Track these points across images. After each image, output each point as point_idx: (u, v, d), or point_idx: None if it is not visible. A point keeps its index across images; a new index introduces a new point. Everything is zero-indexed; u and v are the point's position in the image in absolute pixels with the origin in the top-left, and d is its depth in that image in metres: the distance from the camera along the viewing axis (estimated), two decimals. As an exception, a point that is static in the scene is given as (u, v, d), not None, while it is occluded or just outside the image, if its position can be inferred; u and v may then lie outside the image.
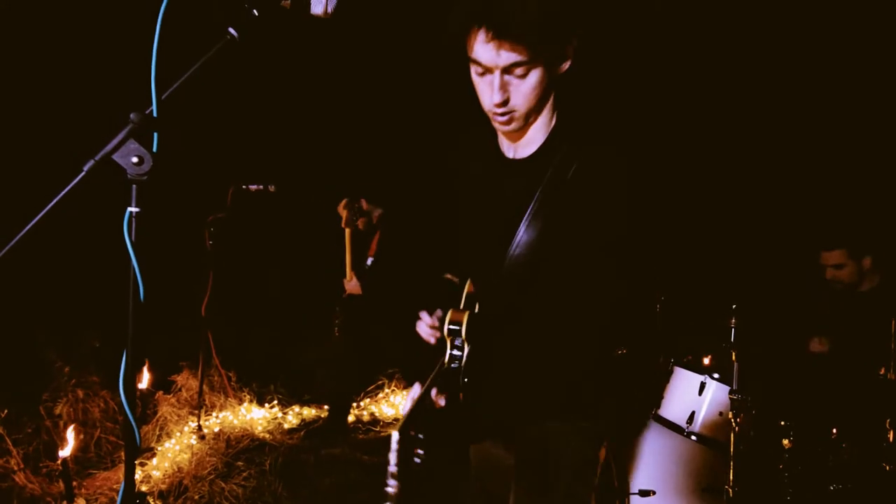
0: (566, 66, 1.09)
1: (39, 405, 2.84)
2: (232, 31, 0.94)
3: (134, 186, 0.89)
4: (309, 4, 0.99)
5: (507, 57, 1.01)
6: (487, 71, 1.04)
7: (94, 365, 3.27)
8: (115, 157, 0.88)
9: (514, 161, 1.18)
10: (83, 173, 0.87)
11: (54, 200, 0.87)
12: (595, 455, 1.25)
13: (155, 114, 0.90)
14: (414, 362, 1.40)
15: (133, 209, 0.90)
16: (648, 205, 1.14)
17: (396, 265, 3.30)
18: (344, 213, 3.24)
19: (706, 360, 2.56)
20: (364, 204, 3.39)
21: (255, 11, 0.95)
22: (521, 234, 1.11)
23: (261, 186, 3.31)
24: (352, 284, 3.36)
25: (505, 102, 1.06)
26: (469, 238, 1.27)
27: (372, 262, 3.44)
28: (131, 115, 0.88)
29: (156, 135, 0.91)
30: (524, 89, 1.05)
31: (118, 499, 0.96)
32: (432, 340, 1.24)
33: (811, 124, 3.25)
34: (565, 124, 1.16)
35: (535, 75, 1.04)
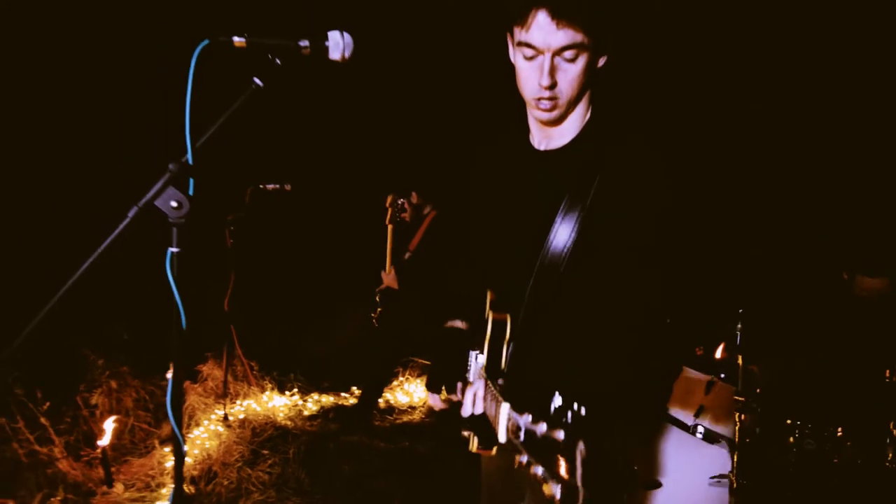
0: (604, 59, 1.14)
1: (77, 396, 3.02)
2: (257, 80, 1.01)
3: (174, 229, 0.98)
4: (327, 51, 1.06)
5: (563, 37, 1.04)
6: (539, 53, 1.07)
7: (125, 356, 3.45)
8: (157, 203, 0.96)
9: (544, 153, 1.21)
10: (128, 219, 0.96)
11: (105, 243, 0.96)
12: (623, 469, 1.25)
13: (190, 161, 0.98)
14: (437, 356, 1.46)
15: (174, 249, 0.98)
16: (684, 200, 1.13)
17: (435, 262, 3.35)
18: (389, 211, 3.33)
19: (718, 353, 2.59)
20: (415, 197, 3.47)
21: (277, 60, 1.02)
22: (556, 230, 1.12)
23: (277, 186, 3.41)
24: (389, 277, 3.44)
25: (552, 86, 1.09)
26: (497, 231, 1.27)
27: (410, 256, 3.52)
28: (170, 165, 0.96)
29: (192, 180, 0.99)
30: (571, 75, 1.09)
31: (170, 498, 1.07)
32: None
33: (840, 142, 3.18)
34: (599, 119, 1.19)
35: (582, 61, 1.08)
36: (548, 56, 1.06)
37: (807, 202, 3.17)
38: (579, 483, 0.76)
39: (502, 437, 0.92)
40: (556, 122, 1.17)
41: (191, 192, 0.99)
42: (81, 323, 3.25)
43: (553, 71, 1.07)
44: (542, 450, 0.80)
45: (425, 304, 3.24)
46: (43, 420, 2.68)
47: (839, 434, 2.28)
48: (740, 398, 2.08)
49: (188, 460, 2.96)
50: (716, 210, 3.01)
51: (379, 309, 3.57)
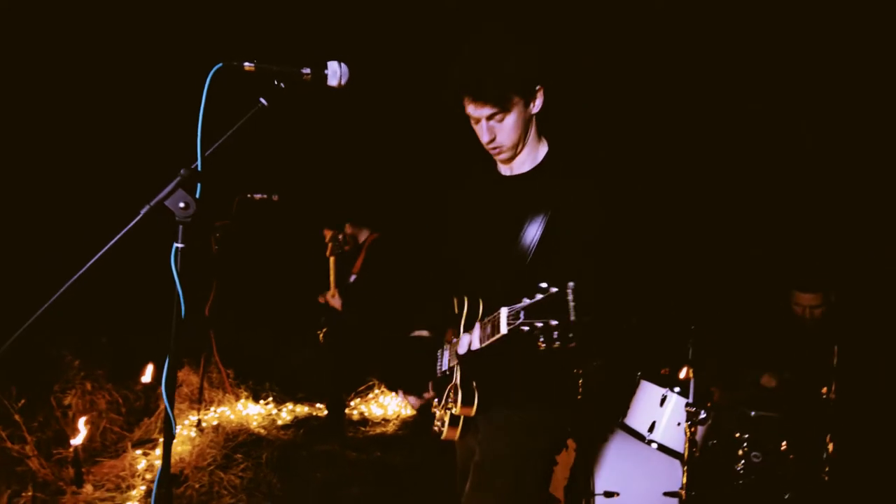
0: (535, 107, 1.48)
1: (51, 396, 3.02)
2: (262, 100, 1.16)
3: (180, 227, 1.10)
4: (326, 78, 1.21)
5: (487, 110, 1.43)
6: (477, 121, 1.47)
7: (101, 359, 3.46)
8: (167, 203, 1.08)
9: (510, 177, 1.56)
10: (139, 216, 1.08)
11: (114, 239, 1.07)
12: (546, 447, 1.51)
13: (199, 168, 1.11)
14: (391, 372, 1.66)
15: (179, 245, 1.11)
16: (621, 227, 1.48)
17: (379, 285, 3.48)
18: (329, 245, 3.44)
19: (682, 374, 2.75)
20: (348, 228, 3.59)
21: (281, 84, 1.17)
22: (526, 229, 1.45)
23: (265, 196, 3.51)
24: (334, 300, 3.54)
25: (492, 140, 1.47)
26: (474, 237, 1.57)
27: (354, 279, 3.62)
28: (181, 170, 1.09)
29: (199, 185, 1.12)
30: (505, 129, 1.46)
31: (156, 477, 1.16)
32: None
33: (783, 157, 3.45)
34: (556, 149, 1.54)
35: (510, 119, 1.44)
36: (483, 122, 1.44)
37: (747, 221, 3.41)
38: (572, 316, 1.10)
39: (503, 329, 1.20)
40: (511, 159, 1.53)
41: (198, 195, 1.12)
42: (60, 324, 3.27)
43: (490, 130, 1.45)
44: (543, 313, 1.12)
45: (375, 322, 3.37)
46: (17, 417, 2.69)
47: (783, 448, 2.45)
48: (691, 409, 2.23)
49: (159, 462, 2.97)
50: (649, 226, 3.23)
51: (325, 329, 3.65)
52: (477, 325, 1.38)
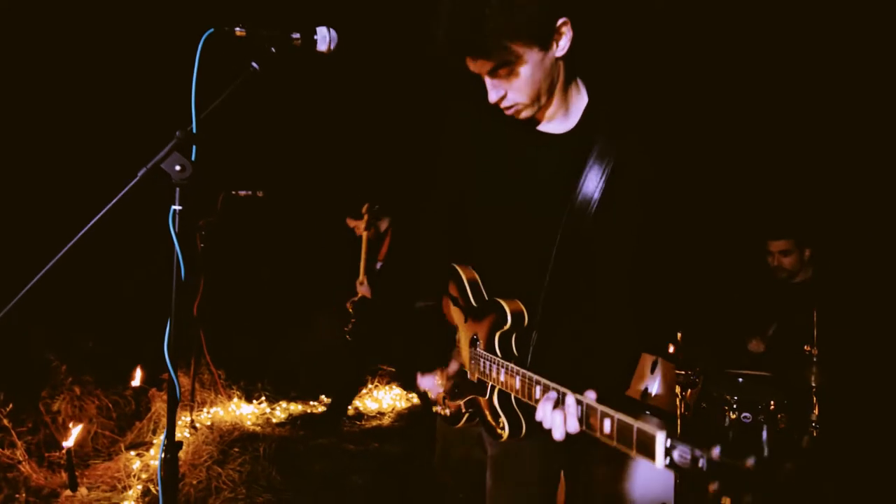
0: (558, 48, 1.10)
1: (39, 402, 2.96)
2: (254, 64, 1.17)
3: (177, 189, 1.11)
4: (315, 43, 1.23)
5: (485, 66, 1.10)
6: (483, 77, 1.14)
7: (89, 364, 3.40)
8: (163, 165, 1.09)
9: (551, 136, 1.21)
10: (137, 178, 1.08)
11: (111, 203, 1.08)
12: (556, 471, 1.29)
13: (194, 130, 1.12)
14: (412, 363, 1.51)
15: (176, 207, 1.12)
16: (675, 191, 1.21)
17: (406, 266, 3.50)
18: (365, 218, 3.45)
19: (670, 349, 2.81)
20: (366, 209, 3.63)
21: (273, 49, 1.18)
22: (585, 177, 1.16)
23: (250, 192, 3.50)
24: (364, 287, 3.55)
25: (503, 98, 1.13)
26: (500, 208, 1.27)
27: (381, 266, 3.66)
28: (176, 132, 1.10)
29: (194, 147, 1.13)
30: (517, 85, 1.11)
31: (162, 443, 1.17)
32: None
33: (763, 118, 3.49)
34: (598, 101, 1.21)
35: (524, 70, 1.09)
36: (487, 78, 1.13)
37: (721, 182, 3.42)
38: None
39: (661, 462, 0.83)
40: (540, 118, 1.20)
41: (193, 157, 1.13)
42: (47, 328, 3.21)
43: (496, 87, 1.12)
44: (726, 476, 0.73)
45: (401, 312, 3.37)
46: (6, 422, 2.63)
47: (772, 407, 2.52)
48: (680, 372, 2.30)
49: (154, 463, 2.94)
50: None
51: (353, 320, 3.64)
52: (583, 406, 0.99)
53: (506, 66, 1.09)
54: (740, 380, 2.55)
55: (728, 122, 3.44)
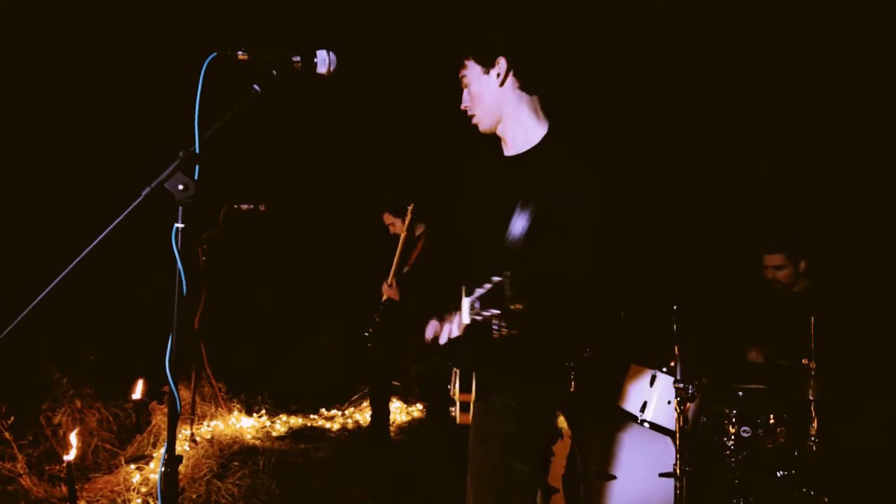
0: (496, 78, 1.42)
1: (40, 415, 2.97)
2: (256, 87, 1.21)
3: (180, 207, 1.14)
4: (315, 66, 1.27)
5: (459, 71, 1.47)
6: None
7: (89, 377, 3.41)
8: (167, 185, 1.13)
9: (507, 158, 1.51)
10: (141, 197, 1.12)
11: (115, 221, 1.11)
12: (525, 430, 1.42)
13: (197, 151, 1.16)
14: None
15: (179, 225, 1.15)
16: (613, 218, 1.39)
17: (434, 273, 3.43)
18: (408, 217, 3.36)
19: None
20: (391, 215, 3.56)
21: (274, 71, 1.22)
22: (512, 226, 1.38)
23: (252, 206, 3.54)
24: (391, 290, 3.47)
25: (468, 107, 1.49)
26: (479, 225, 1.54)
27: (409, 270, 3.57)
28: (180, 153, 1.13)
29: (197, 167, 1.16)
30: (470, 95, 1.47)
31: (162, 456, 1.18)
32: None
33: (757, 131, 3.54)
34: (556, 132, 1.45)
35: (473, 83, 1.45)
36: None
37: (718, 195, 3.46)
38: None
39: (466, 319, 1.25)
40: (488, 131, 1.50)
41: (196, 177, 1.16)
42: (50, 341, 3.24)
43: (465, 95, 1.48)
44: (490, 303, 1.16)
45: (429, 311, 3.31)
46: (7, 435, 2.64)
47: (771, 421, 2.52)
48: (679, 386, 2.30)
49: (153, 477, 2.94)
50: (633, 212, 3.25)
51: (377, 320, 3.55)
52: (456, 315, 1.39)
53: (461, 71, 1.44)
54: (740, 393, 2.56)
55: (723, 132, 3.49)
